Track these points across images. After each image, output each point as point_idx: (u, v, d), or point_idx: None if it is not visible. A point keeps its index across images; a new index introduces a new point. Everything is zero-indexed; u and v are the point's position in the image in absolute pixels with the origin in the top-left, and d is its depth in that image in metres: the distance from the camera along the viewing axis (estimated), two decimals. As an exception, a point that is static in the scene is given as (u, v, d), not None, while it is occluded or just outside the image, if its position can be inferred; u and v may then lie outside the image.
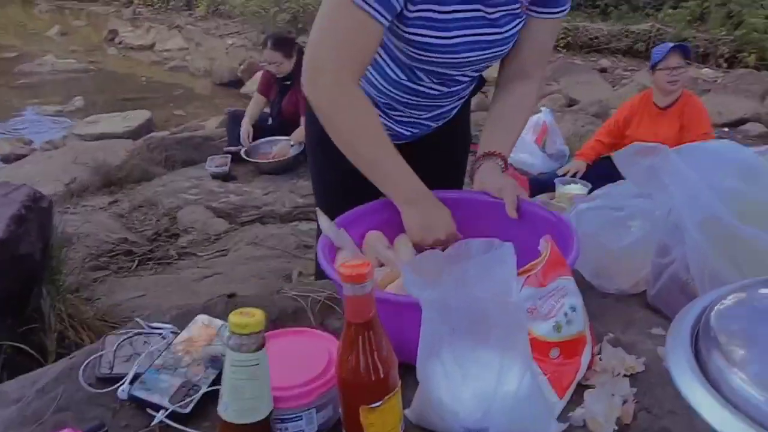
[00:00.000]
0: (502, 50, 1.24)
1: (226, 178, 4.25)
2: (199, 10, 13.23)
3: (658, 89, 3.55)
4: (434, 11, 1.13)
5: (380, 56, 1.28)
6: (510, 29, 1.21)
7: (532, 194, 3.81)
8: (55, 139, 6.33)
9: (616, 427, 0.82)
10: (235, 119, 4.76)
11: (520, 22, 1.21)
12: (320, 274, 1.40)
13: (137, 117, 7.03)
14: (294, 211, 3.71)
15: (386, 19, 1.11)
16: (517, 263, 1.14)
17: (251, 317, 0.77)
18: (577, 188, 3.66)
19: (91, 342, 2.02)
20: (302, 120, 4.25)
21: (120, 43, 12.16)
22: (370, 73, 1.31)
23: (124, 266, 2.85)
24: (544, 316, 0.89)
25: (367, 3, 1.08)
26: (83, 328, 2.06)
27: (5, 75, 9.58)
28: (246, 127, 4.33)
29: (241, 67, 8.92)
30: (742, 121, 5.98)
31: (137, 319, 1.14)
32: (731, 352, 0.67)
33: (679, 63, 3.42)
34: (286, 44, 4.18)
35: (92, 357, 1.02)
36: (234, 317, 0.77)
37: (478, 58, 1.23)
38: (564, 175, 3.79)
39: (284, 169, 4.26)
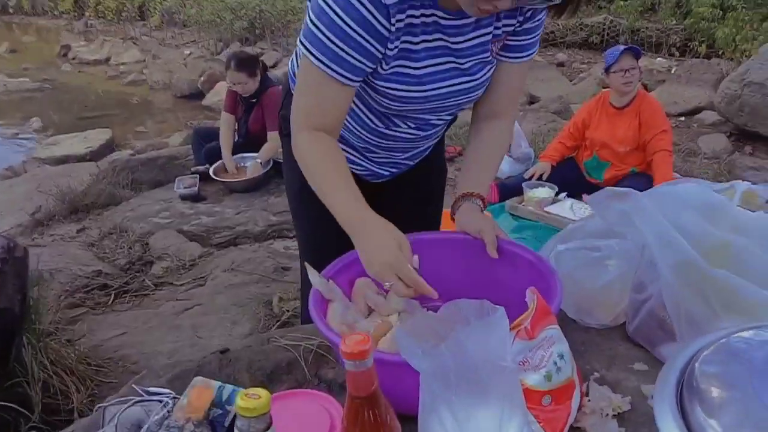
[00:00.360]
0: (476, 95, 1.28)
1: (196, 199, 4.22)
2: (153, 20, 13.04)
3: (614, 90, 3.66)
4: (408, 67, 1.17)
5: (356, 105, 1.31)
6: (482, 75, 1.25)
7: (501, 198, 3.89)
8: (15, 165, 6.18)
9: (609, 472, 0.87)
10: (200, 136, 4.73)
11: (491, 68, 1.25)
12: (306, 320, 1.42)
13: (98, 136, 6.92)
14: (268, 230, 3.71)
15: (354, 81, 1.15)
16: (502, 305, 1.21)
17: (257, 399, 0.80)
18: (545, 191, 3.75)
19: (77, 389, 2.01)
20: (269, 136, 4.27)
21: (74, 58, 11.93)
22: (347, 120, 1.34)
23: (100, 301, 2.82)
24: (535, 367, 0.93)
25: (332, 69, 1.12)
26: (66, 373, 2.04)
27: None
28: (229, 163, 4.32)
29: (201, 78, 8.84)
30: (697, 110, 6.16)
31: (134, 386, 1.14)
32: (711, 405, 0.73)
33: (631, 64, 3.53)
34: (250, 64, 4.16)
35: (95, 432, 1.03)
36: (241, 400, 0.79)
37: (453, 103, 1.27)
38: (531, 177, 3.87)
39: (255, 186, 4.25)
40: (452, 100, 1.26)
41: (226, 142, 4.34)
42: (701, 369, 0.77)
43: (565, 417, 0.95)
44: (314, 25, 1.10)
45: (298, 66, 1.40)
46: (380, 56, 1.14)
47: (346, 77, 1.13)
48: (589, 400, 1.00)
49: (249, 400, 0.79)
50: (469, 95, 1.27)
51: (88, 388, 2.05)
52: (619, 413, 0.98)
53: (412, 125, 1.33)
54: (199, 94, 8.72)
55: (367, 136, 1.36)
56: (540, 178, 3.86)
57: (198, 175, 4.37)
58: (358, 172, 1.44)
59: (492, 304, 0.89)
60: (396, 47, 1.14)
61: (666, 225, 1.00)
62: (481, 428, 0.83)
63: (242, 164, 4.35)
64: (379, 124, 1.32)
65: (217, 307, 2.63)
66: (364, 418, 0.80)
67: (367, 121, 1.32)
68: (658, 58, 8.43)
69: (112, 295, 2.89)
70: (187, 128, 6.93)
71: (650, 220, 1.01)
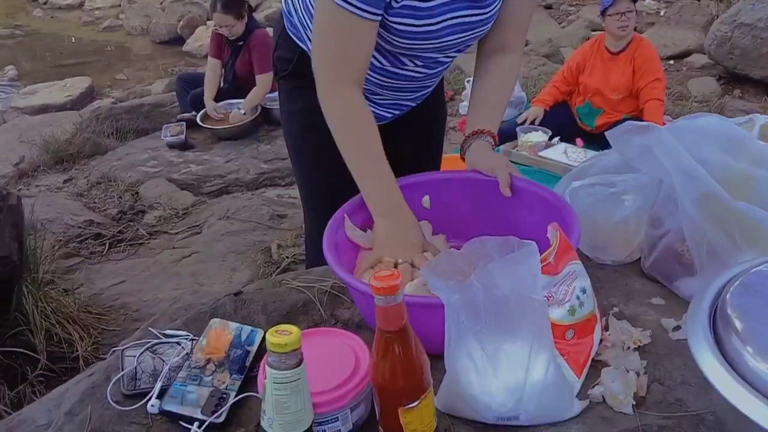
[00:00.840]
0: (485, 29, 1.25)
1: (183, 147, 4.15)
2: (127, -37, 12.52)
3: (609, 34, 3.60)
4: (419, 0, 1.13)
5: None
6: (493, 7, 1.21)
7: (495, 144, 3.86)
8: (-7, 115, 6.01)
9: (634, 402, 0.89)
10: (184, 83, 4.62)
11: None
12: (314, 264, 1.41)
13: (77, 84, 6.73)
14: (260, 178, 3.67)
15: (375, 15, 1.11)
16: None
17: (289, 336, 0.79)
18: (538, 135, 3.73)
19: (80, 337, 2.01)
20: (257, 80, 4.17)
21: (45, 2, 11.47)
22: None
23: (95, 251, 2.79)
24: (559, 302, 0.94)
25: (356, 6, 1.08)
26: (68, 322, 2.03)
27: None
28: (210, 105, 4.20)
29: (180, 23, 8.57)
30: (686, 53, 6.12)
31: (151, 329, 1.14)
32: (746, 333, 0.73)
33: (628, 7, 3.46)
34: (236, 5, 4.03)
35: (116, 376, 1.02)
36: (272, 337, 0.79)
37: (462, 39, 1.23)
38: (523, 122, 3.84)
39: (243, 133, 4.18)
40: (462, 35, 1.22)
41: (210, 87, 4.24)
42: (731, 301, 0.77)
43: (588, 350, 0.96)
44: None
45: (294, 4, 1.35)
46: None
47: (371, 12, 1.10)
48: (609, 334, 1.01)
49: (280, 336, 0.79)
50: (479, 29, 1.23)
51: (91, 336, 2.05)
52: (639, 346, 0.99)
53: (420, 63, 1.29)
54: (178, 40, 8.46)
55: (373, 77, 1.32)
56: (533, 123, 3.83)
57: (184, 123, 4.29)
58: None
59: (518, 239, 0.88)
60: None
61: (688, 158, 0.99)
62: (510, 361, 0.84)
63: (229, 110, 4.26)
64: (386, 63, 1.28)
65: (215, 255, 2.62)
66: (394, 352, 0.81)
67: (374, 61, 1.28)
68: (647, 0, 8.30)
69: (107, 245, 2.86)
70: (169, 75, 6.76)
71: (672, 153, 1.00)
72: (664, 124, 3.53)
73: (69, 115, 5.19)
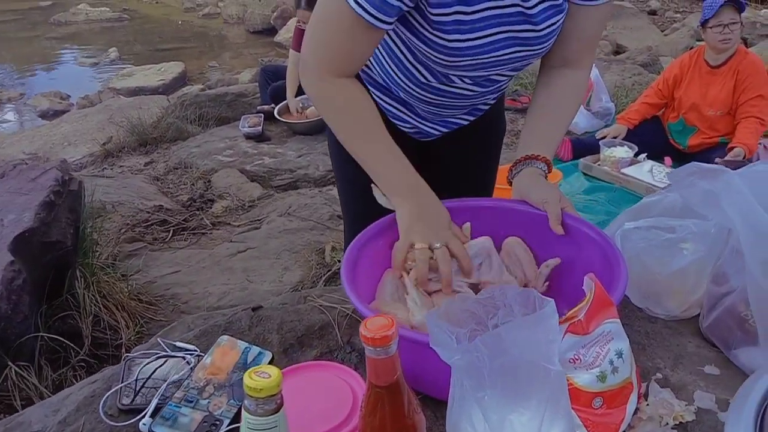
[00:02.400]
0: (542, 47, 1.11)
1: (259, 138, 4.20)
2: (231, -47, 12.93)
3: (710, 47, 3.31)
4: (461, 13, 1.02)
5: (406, 57, 1.17)
6: (548, 26, 1.07)
7: (576, 156, 3.66)
8: (91, 94, 6.35)
9: (663, 494, 0.76)
10: (267, 75, 4.68)
11: (561, 17, 1.08)
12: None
13: (171, 69, 7.01)
14: (328, 175, 3.65)
15: (386, 24, 1.01)
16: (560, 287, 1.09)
17: (267, 379, 0.72)
18: (623, 151, 3.50)
19: (126, 324, 2.04)
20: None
21: (153, -11, 12.03)
22: (395, 73, 1.21)
23: (158, 237, 2.85)
24: (587, 366, 0.82)
25: (362, 6, 0.98)
26: (117, 308, 2.06)
27: (41, 25, 9.59)
28: (292, 102, 4.24)
29: (274, 14, 8.74)
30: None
31: (160, 340, 1.10)
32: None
33: (732, 19, 3.14)
34: (319, 1, 4.02)
35: (114, 387, 0.99)
36: (249, 379, 0.72)
37: (516, 55, 1.11)
38: (603, 138, 3.61)
39: (318, 129, 4.18)
40: (514, 50, 1.09)
41: (291, 82, 4.26)
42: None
43: (618, 422, 0.84)
44: None
45: None
46: None
47: (380, 19, 0.99)
48: (647, 405, 0.88)
49: (258, 379, 0.72)
50: (535, 47, 1.10)
51: (137, 324, 2.07)
52: (681, 422, 0.86)
53: (469, 81, 1.17)
54: (271, 30, 8.65)
55: (417, 92, 1.22)
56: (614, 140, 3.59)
57: (263, 115, 4.34)
58: (404, 129, 1.32)
59: (541, 294, 0.77)
60: None
61: (760, 211, 0.84)
62: (516, 433, 0.74)
63: (307, 105, 4.27)
64: (432, 79, 1.17)
65: (270, 252, 2.61)
66: (385, 409, 0.72)
67: (418, 75, 1.18)
68: (764, 10, 7.70)
69: (171, 231, 2.92)
70: (258, 65, 6.90)
71: (741, 205, 0.86)
72: (758, 146, 3.23)
73: (158, 99, 5.39)
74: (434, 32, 1.04)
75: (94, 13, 10.09)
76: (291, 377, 0.94)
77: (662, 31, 7.35)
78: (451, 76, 1.15)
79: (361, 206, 1.42)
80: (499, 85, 1.22)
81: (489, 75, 1.16)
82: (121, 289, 2.14)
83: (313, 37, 1.08)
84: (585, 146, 3.68)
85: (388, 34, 1.17)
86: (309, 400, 0.88)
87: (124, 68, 7.23)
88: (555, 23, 1.08)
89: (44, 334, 1.78)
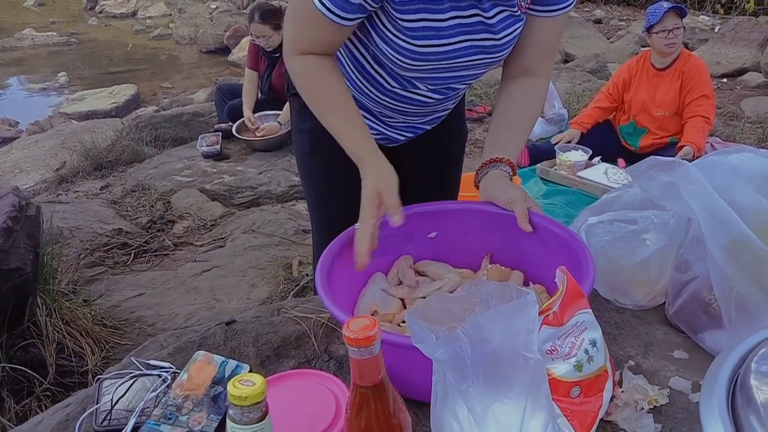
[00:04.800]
0: (500, 55, 1.16)
1: (218, 157, 4.16)
2: (180, -27, 12.82)
3: (655, 51, 3.44)
4: (430, 20, 1.05)
5: (372, 67, 1.20)
6: (507, 35, 1.12)
7: (533, 162, 3.74)
8: (41, 120, 6.19)
9: (643, 475, 0.78)
10: (223, 93, 4.65)
11: (519, 26, 1.12)
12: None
13: (123, 92, 6.88)
14: (290, 191, 3.64)
15: (346, 20, 1.06)
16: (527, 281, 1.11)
17: (251, 387, 0.72)
18: (578, 155, 3.59)
19: (92, 351, 1.99)
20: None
21: (101, 12, 11.85)
22: (362, 82, 1.24)
23: (119, 260, 2.79)
24: (564, 356, 0.84)
25: (324, 5, 1.04)
26: (82, 334, 2.01)
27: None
28: (247, 115, 4.21)
29: (227, 33, 8.70)
30: (741, 71, 5.87)
31: (133, 359, 1.09)
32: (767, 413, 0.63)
33: (675, 24, 3.30)
34: (274, 16, 4.02)
35: (89, 409, 0.97)
36: (233, 388, 0.71)
37: (474, 63, 1.15)
38: (558, 143, 3.71)
39: (278, 145, 4.17)
40: (474, 57, 1.13)
41: (248, 99, 4.25)
42: (758, 370, 0.67)
43: (595, 410, 0.86)
44: None
45: None
46: None
47: (335, 13, 1.05)
48: (622, 391, 0.91)
49: (242, 387, 0.71)
50: (493, 55, 1.14)
51: (102, 349, 2.02)
52: (655, 407, 0.88)
53: (431, 88, 1.21)
54: (224, 50, 8.59)
55: (383, 99, 1.25)
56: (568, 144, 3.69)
57: (220, 133, 4.30)
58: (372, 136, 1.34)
59: (516, 286, 0.79)
60: None
61: (717, 199, 0.88)
62: (500, 423, 0.75)
63: (265, 122, 4.25)
64: (396, 86, 1.21)
65: (235, 270, 2.58)
66: (370, 409, 0.73)
67: (384, 83, 1.21)
68: (701, 16, 8.03)
69: (132, 255, 2.86)
70: (213, 85, 6.84)
71: (699, 193, 0.90)
72: (705, 144, 3.37)
73: (112, 122, 5.28)
74: (402, 37, 1.07)
75: (41, 37, 9.85)
76: (272, 387, 0.93)
77: (608, 39, 7.58)
78: (415, 82, 1.18)
79: (329, 215, 1.44)
80: (456, 92, 1.26)
81: (450, 83, 1.20)
82: (84, 315, 2.08)
83: (288, 23, 1.15)
84: (541, 152, 3.76)
85: (351, 41, 1.20)
86: (292, 408, 0.88)
87: (74, 92, 7.07)
88: (513, 32, 1.12)
89: (6, 365, 1.72)
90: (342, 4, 1.03)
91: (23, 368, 1.74)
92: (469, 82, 1.23)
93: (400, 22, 1.05)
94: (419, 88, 1.20)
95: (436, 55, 1.10)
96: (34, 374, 1.75)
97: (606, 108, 3.72)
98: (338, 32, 1.10)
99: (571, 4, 1.15)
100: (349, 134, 1.13)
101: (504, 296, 0.81)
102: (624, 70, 3.70)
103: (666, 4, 3.35)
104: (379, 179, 1.08)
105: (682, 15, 3.34)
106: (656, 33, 3.33)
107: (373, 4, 1.05)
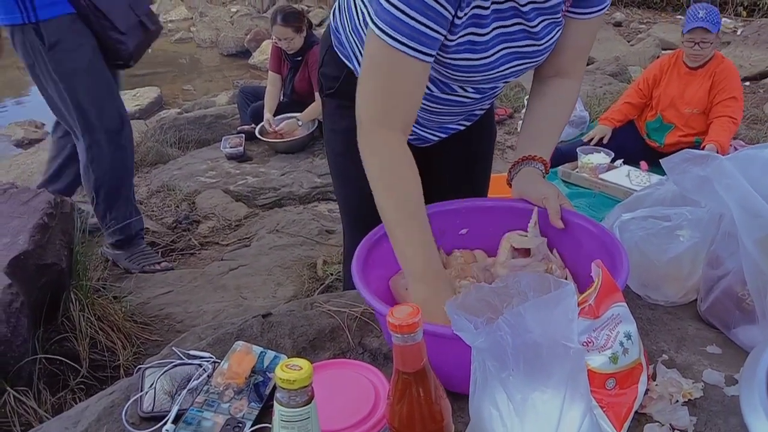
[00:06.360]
0: (541, 58, 1.17)
1: (241, 158, 4.21)
2: (201, -22, 12.97)
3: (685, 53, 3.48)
4: (476, 34, 1.07)
5: None
6: (548, 39, 1.14)
7: (554, 165, 3.74)
8: (67, 122, 6.29)
9: (679, 465, 0.80)
10: (245, 96, 4.70)
11: (559, 30, 1.14)
12: (350, 285, 1.37)
13: (147, 95, 6.97)
14: (312, 192, 3.67)
15: (430, 56, 1.04)
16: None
17: (298, 371, 0.74)
18: (600, 157, 3.59)
19: (123, 346, 2.03)
20: (316, 96, 4.19)
21: (124, 16, 11.98)
22: None
23: (147, 259, 2.83)
24: (600, 348, 0.86)
25: (412, 48, 1.00)
26: (113, 330, 2.05)
27: (11, 54, 9.47)
28: (267, 117, 4.25)
29: (248, 37, 8.78)
30: (764, 75, 5.81)
31: (175, 349, 1.12)
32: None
33: (703, 38, 3.34)
34: (296, 19, 4.07)
35: (134, 396, 1.00)
36: (281, 371, 0.74)
37: (517, 68, 1.17)
38: (589, 141, 3.71)
39: (300, 147, 4.21)
40: (516, 63, 1.15)
41: (269, 101, 4.29)
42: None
43: (630, 402, 0.88)
44: (387, 1, 0.99)
45: (342, 22, 1.31)
46: (451, 22, 1.04)
47: (425, 53, 1.02)
48: (656, 385, 0.92)
49: (290, 371, 0.74)
50: (534, 59, 1.16)
51: (133, 345, 2.06)
52: (689, 399, 0.89)
53: (471, 90, 1.23)
54: (245, 53, 8.66)
55: (421, 103, 1.26)
56: (600, 143, 3.69)
57: (243, 135, 4.35)
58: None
59: (555, 278, 0.81)
60: (466, 14, 1.04)
61: (752, 193, 0.89)
62: (539, 412, 0.77)
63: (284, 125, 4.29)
64: (435, 90, 1.22)
65: (261, 269, 2.62)
66: (412, 395, 0.75)
67: None
68: (724, 18, 7.94)
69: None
70: (234, 87, 6.91)
71: (733, 188, 0.91)
72: (729, 145, 3.36)
73: (136, 124, 5.34)
74: (451, 56, 1.09)
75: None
76: (314, 375, 0.96)
77: (628, 42, 7.54)
78: (454, 86, 1.20)
79: (361, 215, 1.46)
80: (496, 90, 1.28)
81: (491, 85, 1.21)
82: (115, 311, 2.13)
83: (361, 91, 1.08)
84: (562, 154, 3.76)
85: None
86: (334, 395, 0.91)
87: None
88: (554, 36, 1.14)
89: (42, 356, 1.76)
90: (430, 42, 1.01)
91: (61, 358, 1.78)
92: (510, 81, 1.25)
93: (446, 42, 1.06)
94: (457, 91, 1.22)
95: (479, 67, 1.12)
96: (72, 364, 1.79)
97: (635, 104, 3.72)
98: (424, 75, 1.06)
99: (606, 5, 1.17)
100: (416, 244, 1.04)
101: (542, 287, 0.82)
102: (656, 66, 3.72)
103: (701, 13, 3.35)
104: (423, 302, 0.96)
105: (713, 28, 3.35)
106: (685, 41, 3.39)
107: (444, 35, 1.04)
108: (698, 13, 3.37)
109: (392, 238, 1.06)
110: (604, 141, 3.68)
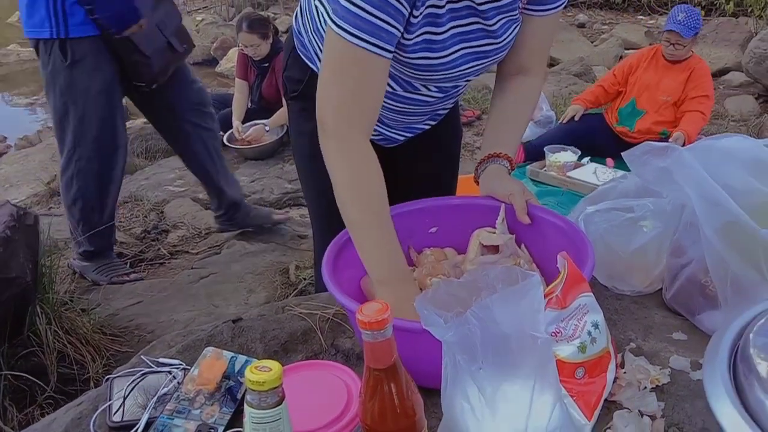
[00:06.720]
0: (500, 56, 1.19)
1: (211, 167, 4.16)
2: (165, -13, 12.83)
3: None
4: (433, 33, 1.08)
5: None
6: (506, 37, 1.15)
7: (528, 158, 3.82)
8: (30, 134, 6.16)
9: (649, 450, 0.81)
10: (213, 104, 4.64)
11: (517, 26, 1.16)
12: (322, 288, 1.36)
13: (112, 105, 6.87)
14: (284, 198, 3.65)
15: (389, 52, 1.04)
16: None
17: (268, 372, 0.74)
18: (567, 155, 3.65)
19: (92, 358, 1.99)
20: (284, 102, 4.18)
21: (86, 26, 11.81)
22: None
23: (115, 270, 2.78)
24: (568, 338, 0.87)
25: (371, 44, 1.01)
26: (82, 343, 2.01)
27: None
28: (236, 125, 4.23)
29: (214, 45, 8.70)
30: (724, 71, 5.96)
31: (143, 357, 1.10)
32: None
33: (677, 40, 3.49)
34: (262, 25, 4.05)
35: (102, 406, 0.99)
36: (251, 374, 0.73)
37: (477, 67, 1.18)
38: (564, 121, 3.84)
39: (269, 154, 4.18)
40: (476, 63, 1.16)
41: (237, 109, 4.27)
42: (755, 341, 0.70)
43: (600, 390, 0.89)
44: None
45: (304, 24, 1.31)
46: (407, 20, 1.04)
47: (385, 48, 1.02)
48: (624, 372, 0.93)
49: (259, 373, 0.73)
50: (493, 57, 1.18)
51: (103, 357, 2.02)
52: (657, 386, 0.91)
53: (433, 88, 1.24)
54: (212, 61, 8.58)
55: (385, 102, 1.27)
56: (572, 119, 3.81)
57: (212, 143, 4.31)
58: (371, 137, 1.36)
59: (522, 270, 0.82)
60: (421, 13, 1.05)
61: (711, 182, 0.92)
62: (509, 404, 0.77)
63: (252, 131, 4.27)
64: (398, 89, 1.23)
65: (232, 276, 2.59)
66: (384, 391, 0.75)
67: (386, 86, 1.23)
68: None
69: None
70: (202, 96, 6.83)
71: (693, 177, 0.93)
72: (696, 138, 3.47)
73: (101, 135, 5.27)
74: (408, 55, 1.09)
75: (26, 53, 9.80)
76: (286, 377, 0.94)
77: (592, 42, 7.66)
78: (416, 84, 1.21)
79: (333, 211, 1.45)
80: (458, 89, 1.29)
81: (452, 84, 1.22)
82: (83, 323, 2.09)
83: (321, 94, 1.08)
84: (535, 148, 3.84)
85: None
86: (306, 396, 0.90)
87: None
88: (512, 33, 1.15)
89: (8, 373, 1.72)
90: (388, 38, 1.01)
91: (26, 375, 1.74)
92: (471, 79, 1.26)
93: (402, 40, 1.07)
94: (420, 90, 1.22)
95: (437, 66, 1.12)
96: (37, 381, 1.75)
97: (607, 89, 3.85)
98: (384, 72, 1.06)
99: (562, 3, 1.19)
100: (380, 247, 1.04)
101: (510, 279, 0.83)
102: (634, 55, 3.89)
103: (681, 16, 3.49)
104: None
105: (687, 34, 3.47)
106: (663, 39, 3.57)
107: (401, 29, 1.04)
108: (678, 15, 3.53)
109: (356, 241, 1.06)
110: (576, 117, 3.81)
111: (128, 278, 2.65)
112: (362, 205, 1.06)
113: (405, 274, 1.06)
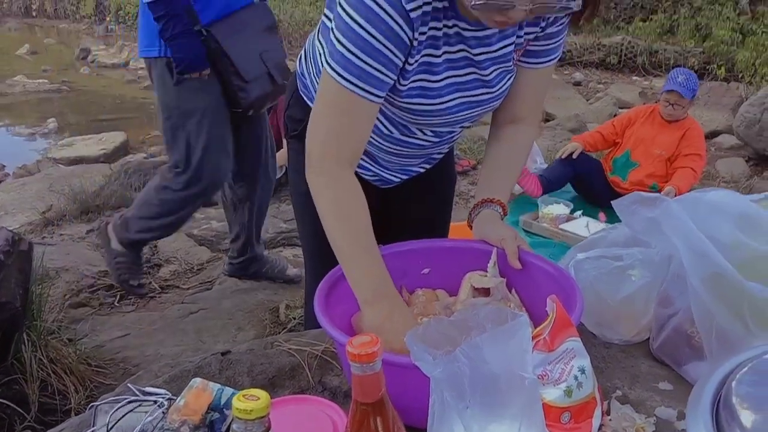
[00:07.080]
0: (494, 104, 1.24)
1: (206, 203, 4.18)
2: (172, 27, 13.10)
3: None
4: (428, 81, 1.12)
5: None
6: (501, 86, 1.20)
7: (545, 191, 3.88)
8: (29, 164, 6.19)
9: (633, 498, 0.81)
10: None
11: (511, 77, 1.20)
12: (311, 326, 1.37)
13: (113, 139, 6.92)
14: (278, 237, 3.66)
15: (378, 97, 1.08)
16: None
17: (255, 401, 0.74)
18: (560, 208, 3.69)
19: (75, 389, 1.97)
20: (284, 143, 4.23)
21: (93, 61, 11.99)
22: None
23: (105, 302, 2.77)
24: (554, 382, 0.88)
25: (360, 88, 1.05)
26: (66, 373, 1.99)
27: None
28: None
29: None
30: (715, 134, 6.08)
31: (130, 385, 1.09)
32: (752, 429, 0.66)
33: (677, 101, 3.62)
34: (266, 68, 4.14)
35: (86, 432, 0.98)
36: (238, 402, 0.74)
37: (472, 114, 1.22)
38: (563, 156, 3.92)
39: (266, 193, 4.21)
40: (470, 111, 1.21)
41: None
42: (738, 390, 0.71)
43: (585, 436, 0.89)
44: (340, 43, 1.04)
45: (307, 67, 1.35)
46: (401, 68, 1.09)
47: (375, 94, 1.07)
48: (610, 420, 0.94)
49: (247, 401, 0.74)
50: (488, 105, 1.22)
51: (87, 388, 2.00)
52: (642, 434, 0.91)
53: (430, 133, 1.28)
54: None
55: (380, 143, 1.31)
56: (570, 156, 3.88)
57: (209, 180, 4.34)
58: (366, 177, 1.39)
59: (512, 310, 0.83)
60: (416, 61, 1.10)
61: (697, 234, 0.94)
62: (495, 444, 0.77)
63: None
64: (394, 131, 1.27)
65: (222, 312, 2.58)
66: (370, 426, 0.75)
67: (382, 128, 1.27)
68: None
69: (118, 296, 2.84)
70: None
71: (680, 229, 0.96)
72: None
73: (100, 167, 5.31)
74: (403, 99, 1.13)
75: (32, 84, 9.94)
76: (273, 410, 0.95)
77: (587, 100, 7.84)
78: (412, 128, 1.25)
79: (327, 248, 1.47)
80: (453, 134, 1.33)
81: (448, 129, 1.26)
82: (69, 354, 2.07)
83: (310, 128, 1.12)
84: (549, 181, 3.91)
85: None
86: (291, 429, 0.90)
87: (63, 138, 7.10)
88: (507, 83, 1.20)
89: (-10, 399, 1.70)
90: (378, 85, 1.06)
91: (6, 402, 1.71)
92: (466, 125, 1.30)
93: (398, 86, 1.12)
94: (416, 134, 1.26)
95: (432, 112, 1.17)
96: (18, 409, 1.73)
97: (605, 136, 3.95)
98: (372, 114, 1.11)
99: (556, 56, 1.24)
100: (371, 278, 1.08)
101: (500, 320, 0.84)
102: (632, 111, 4.05)
103: (680, 78, 3.61)
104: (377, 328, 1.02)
105: (687, 95, 3.60)
106: (662, 99, 3.68)
107: (394, 79, 1.09)
108: (678, 77, 3.66)
109: (344, 266, 1.09)
110: (575, 155, 3.88)
111: (134, 286, 2.65)
112: (349, 231, 1.10)
113: (391, 294, 1.08)
